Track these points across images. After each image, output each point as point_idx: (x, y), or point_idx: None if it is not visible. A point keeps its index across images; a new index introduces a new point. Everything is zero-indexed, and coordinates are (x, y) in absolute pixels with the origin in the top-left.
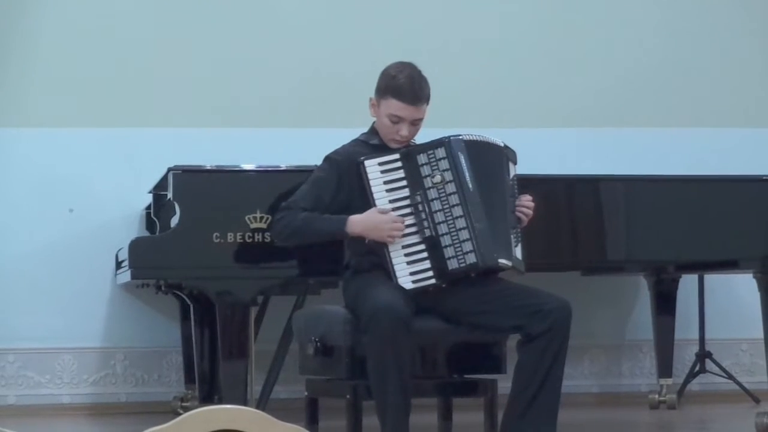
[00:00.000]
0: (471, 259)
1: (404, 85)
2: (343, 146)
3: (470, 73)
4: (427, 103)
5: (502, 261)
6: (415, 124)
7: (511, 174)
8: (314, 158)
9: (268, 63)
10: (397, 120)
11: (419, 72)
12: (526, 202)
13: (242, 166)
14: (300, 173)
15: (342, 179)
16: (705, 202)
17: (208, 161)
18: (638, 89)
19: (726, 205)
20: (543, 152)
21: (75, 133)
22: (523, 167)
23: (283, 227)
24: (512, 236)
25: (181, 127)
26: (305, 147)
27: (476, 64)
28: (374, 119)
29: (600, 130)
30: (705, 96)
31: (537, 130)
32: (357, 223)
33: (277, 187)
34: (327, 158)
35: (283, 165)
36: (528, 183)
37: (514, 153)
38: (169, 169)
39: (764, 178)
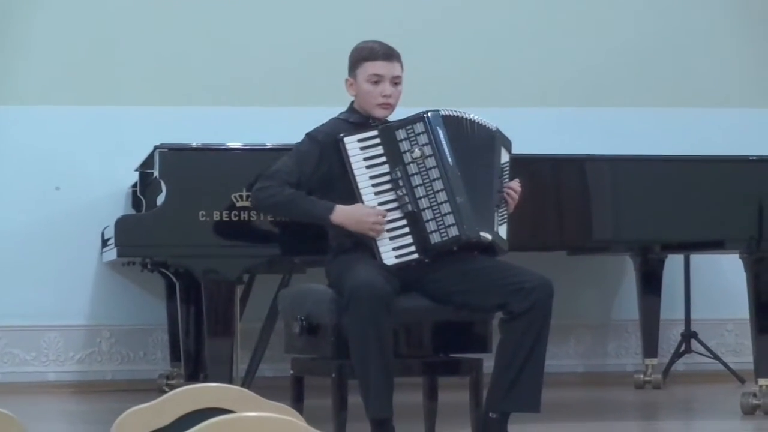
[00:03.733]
0: (453, 232)
1: (373, 47)
2: (323, 124)
3: (455, 53)
4: (401, 66)
5: (484, 234)
6: (395, 83)
7: (503, 159)
8: (300, 137)
9: (255, 42)
10: (377, 79)
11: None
12: (513, 185)
13: (228, 144)
14: (286, 152)
15: (323, 155)
16: (691, 182)
17: (195, 139)
18: (624, 69)
19: (712, 185)
20: (528, 132)
21: (61, 110)
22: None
23: (267, 197)
24: (496, 214)
25: (168, 105)
26: (292, 125)
27: (462, 44)
28: (353, 99)
29: (586, 110)
30: (691, 76)
31: (522, 110)
32: (341, 213)
33: (263, 165)
34: (308, 135)
35: (269, 143)
36: (513, 163)
37: (508, 140)
38: (156, 147)
39: (751, 158)
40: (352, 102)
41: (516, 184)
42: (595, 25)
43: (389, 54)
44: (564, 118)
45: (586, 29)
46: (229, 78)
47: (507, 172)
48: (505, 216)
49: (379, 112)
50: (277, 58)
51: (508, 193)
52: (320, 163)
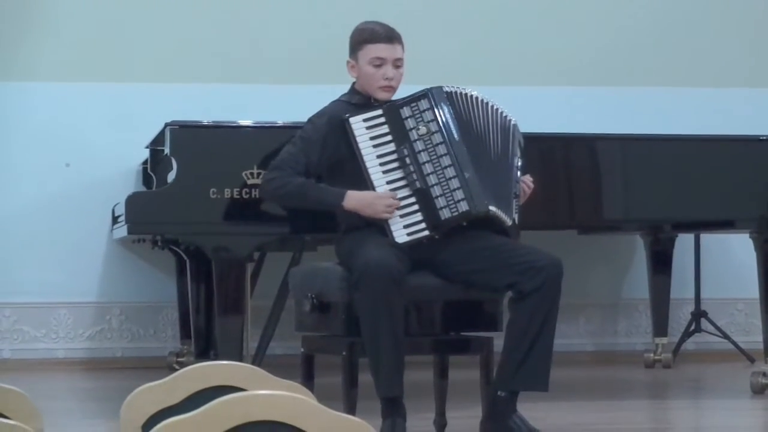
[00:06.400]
0: (463, 207)
1: (375, 29)
2: (325, 107)
3: (466, 32)
4: (403, 48)
5: (493, 209)
6: (397, 65)
7: (518, 152)
8: (311, 114)
9: (266, 19)
10: (379, 62)
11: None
12: (527, 179)
13: (239, 122)
14: (296, 129)
15: (327, 139)
16: (702, 161)
17: (206, 117)
18: (637, 48)
19: (723, 164)
20: (540, 111)
21: (73, 87)
22: (520, 126)
23: (278, 188)
24: (515, 203)
25: (179, 82)
26: (302, 103)
27: (472, 23)
28: (354, 80)
29: (598, 89)
30: (703, 55)
31: (534, 89)
32: (353, 199)
33: (273, 143)
34: (310, 120)
35: (280, 121)
36: (525, 141)
37: (521, 135)
38: (167, 125)
39: (762, 138)
40: (354, 83)
41: (529, 178)
42: (607, 4)
43: (391, 36)
44: (575, 97)
45: (598, 8)
46: (240, 55)
47: (520, 165)
48: (518, 207)
49: (381, 95)
50: (288, 36)
51: (522, 187)
52: (325, 148)
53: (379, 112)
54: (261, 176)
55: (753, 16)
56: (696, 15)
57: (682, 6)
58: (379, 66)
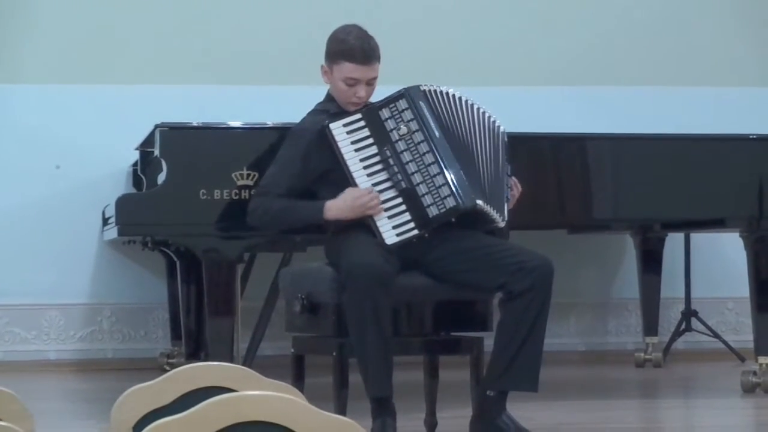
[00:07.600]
0: (450, 203)
1: (355, 46)
2: (303, 119)
3: (454, 32)
4: (379, 61)
5: (480, 203)
6: (370, 83)
7: (505, 155)
8: (300, 116)
9: (257, 20)
10: (353, 83)
11: (366, 32)
12: (517, 182)
13: (229, 123)
14: (286, 130)
15: (309, 151)
16: (692, 160)
17: (195, 118)
18: (625, 47)
19: (713, 163)
20: (529, 110)
21: (62, 89)
22: (509, 126)
23: (261, 215)
24: (506, 205)
25: (169, 84)
26: (292, 104)
27: (460, 23)
28: (328, 86)
29: (587, 89)
30: (692, 54)
31: (524, 88)
32: (332, 208)
33: (263, 144)
34: (289, 135)
35: (270, 122)
36: (514, 141)
37: (507, 139)
38: (156, 126)
39: (752, 136)
40: (329, 90)
41: (517, 183)
42: (596, 3)
43: (368, 56)
44: (565, 96)
45: (586, 7)
46: (229, 56)
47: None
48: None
49: (350, 108)
50: (278, 37)
51: (511, 191)
52: (308, 161)
53: (359, 116)
54: (248, 204)
55: (742, 14)
56: (685, 14)
57: (671, 5)
58: (352, 85)
